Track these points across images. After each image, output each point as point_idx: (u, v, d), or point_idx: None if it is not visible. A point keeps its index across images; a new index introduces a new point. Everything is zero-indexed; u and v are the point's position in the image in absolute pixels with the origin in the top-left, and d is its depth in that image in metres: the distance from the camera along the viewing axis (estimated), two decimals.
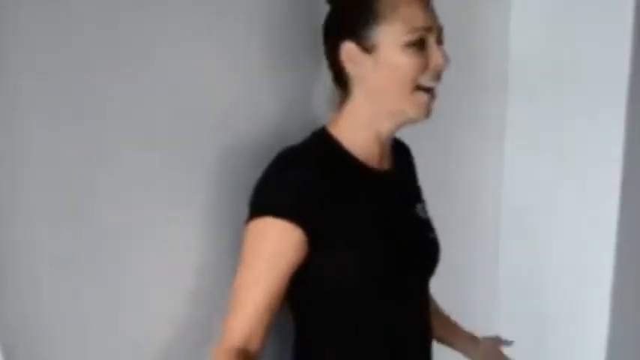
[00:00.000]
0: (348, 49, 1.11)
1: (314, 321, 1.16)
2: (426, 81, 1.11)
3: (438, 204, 1.66)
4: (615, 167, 1.60)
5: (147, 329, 1.13)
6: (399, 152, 1.29)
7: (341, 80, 1.16)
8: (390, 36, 1.09)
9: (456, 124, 1.67)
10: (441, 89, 1.60)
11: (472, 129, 1.72)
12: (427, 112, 1.14)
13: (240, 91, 1.21)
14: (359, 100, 1.15)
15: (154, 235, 1.12)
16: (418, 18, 1.09)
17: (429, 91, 1.12)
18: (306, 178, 1.09)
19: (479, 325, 1.85)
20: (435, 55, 1.10)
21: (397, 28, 1.09)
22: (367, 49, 1.11)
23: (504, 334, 1.88)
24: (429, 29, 1.10)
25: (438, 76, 1.12)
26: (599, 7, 1.58)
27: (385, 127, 1.16)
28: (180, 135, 1.13)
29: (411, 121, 1.16)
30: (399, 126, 1.17)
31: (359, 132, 1.16)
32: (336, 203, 1.10)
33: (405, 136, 1.39)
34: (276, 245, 1.08)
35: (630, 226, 1.67)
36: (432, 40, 1.10)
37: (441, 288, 1.70)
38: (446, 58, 1.11)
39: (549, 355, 1.81)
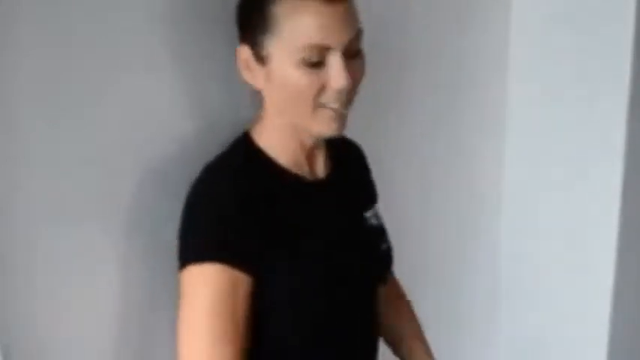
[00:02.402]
0: (244, 55, 0.98)
1: (256, 338, 1.02)
2: (328, 102, 0.95)
3: (438, 203, 1.67)
4: (617, 167, 1.60)
5: (140, 329, 1.13)
6: (344, 152, 1.16)
7: None
8: (283, 49, 0.93)
9: (455, 123, 1.67)
10: (441, 88, 1.61)
11: (472, 128, 1.72)
12: (335, 131, 0.98)
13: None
14: (269, 109, 1.02)
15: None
16: (313, 34, 0.90)
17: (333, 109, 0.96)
18: (234, 211, 0.95)
19: (479, 324, 1.86)
20: (334, 76, 0.92)
21: (290, 43, 0.92)
22: (261, 58, 0.96)
23: (505, 332, 1.88)
24: (327, 48, 0.91)
25: (340, 98, 0.95)
26: (600, 6, 1.58)
27: (304, 136, 1.02)
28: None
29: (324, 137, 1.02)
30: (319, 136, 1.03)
31: (280, 139, 1.02)
32: (271, 227, 0.96)
33: (405, 135, 1.39)
34: (222, 294, 0.93)
35: (632, 226, 1.67)
36: (333, 58, 0.92)
37: (441, 287, 1.71)
38: (348, 79, 0.93)
39: (549, 354, 1.81)
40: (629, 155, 1.60)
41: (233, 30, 1.01)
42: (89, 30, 0.99)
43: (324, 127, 0.98)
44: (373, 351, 1.17)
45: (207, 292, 0.94)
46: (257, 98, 1.04)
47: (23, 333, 0.98)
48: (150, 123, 1.09)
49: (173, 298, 0.98)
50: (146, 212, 1.10)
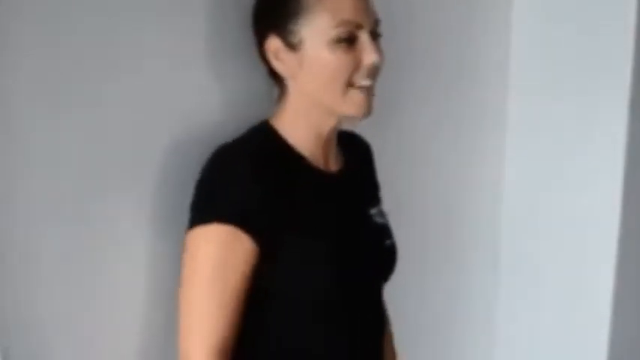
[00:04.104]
0: (273, 46, 1.03)
1: (258, 331, 1.04)
2: (359, 79, 1.02)
3: (438, 203, 1.67)
4: (618, 166, 1.60)
5: (139, 330, 1.13)
6: (355, 149, 1.21)
7: (275, 74, 1.07)
8: (316, 31, 0.99)
9: (456, 123, 1.67)
10: (442, 88, 1.61)
11: (472, 128, 1.72)
12: (366, 111, 1.04)
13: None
14: (294, 97, 1.06)
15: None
16: (347, 11, 0.99)
17: (365, 87, 1.03)
18: (249, 179, 0.98)
19: (478, 324, 1.86)
20: (367, 53, 1.00)
21: (323, 22, 0.98)
22: (293, 45, 1.01)
23: (504, 332, 1.88)
24: (359, 25, 1.00)
25: (372, 74, 1.03)
26: (600, 6, 1.58)
27: (325, 124, 1.07)
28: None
29: (351, 119, 1.08)
30: (340, 122, 1.09)
31: (300, 128, 1.06)
32: (282, 208, 0.99)
33: (404, 134, 1.39)
34: (224, 254, 0.96)
35: (633, 225, 1.67)
36: (364, 36, 1.00)
37: (441, 287, 1.71)
38: (380, 55, 1.01)
39: (549, 354, 1.81)
40: (630, 154, 1.60)
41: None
42: (90, 29, 0.99)
43: (355, 108, 1.03)
44: (376, 341, 1.18)
45: (209, 252, 0.97)
46: (276, 93, 1.09)
47: (23, 335, 0.98)
48: (151, 122, 1.09)
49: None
50: (149, 215, 1.10)
